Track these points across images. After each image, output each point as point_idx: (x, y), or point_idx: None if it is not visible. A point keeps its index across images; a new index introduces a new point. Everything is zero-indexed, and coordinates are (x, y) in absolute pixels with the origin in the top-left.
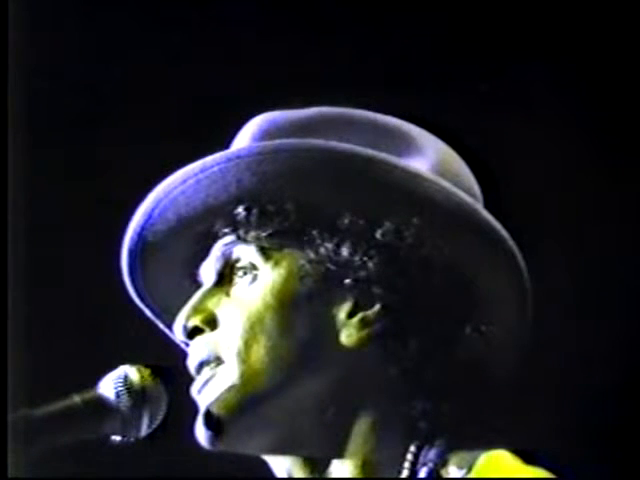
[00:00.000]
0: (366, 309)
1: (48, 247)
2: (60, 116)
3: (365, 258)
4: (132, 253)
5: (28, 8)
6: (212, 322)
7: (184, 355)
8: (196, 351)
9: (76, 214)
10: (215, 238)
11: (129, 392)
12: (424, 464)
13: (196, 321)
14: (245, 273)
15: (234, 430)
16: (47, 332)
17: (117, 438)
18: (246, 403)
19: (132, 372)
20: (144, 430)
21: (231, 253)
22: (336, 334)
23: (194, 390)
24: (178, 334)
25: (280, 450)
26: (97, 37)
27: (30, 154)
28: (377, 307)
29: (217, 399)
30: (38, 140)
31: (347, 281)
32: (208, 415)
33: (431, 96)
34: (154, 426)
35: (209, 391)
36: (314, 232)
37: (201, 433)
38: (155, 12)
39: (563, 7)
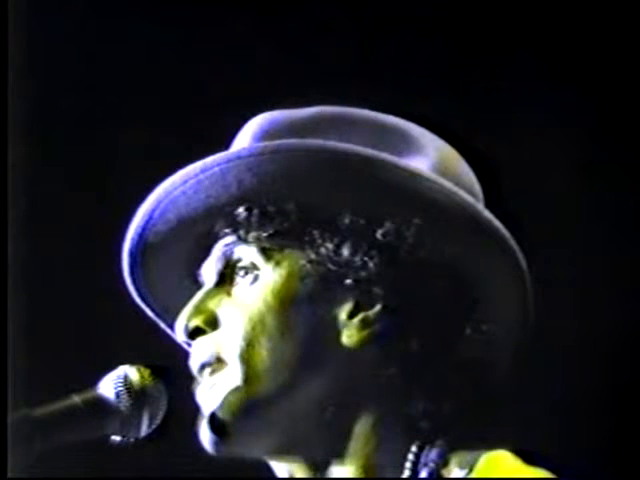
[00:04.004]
0: (367, 309)
1: (48, 247)
2: (60, 117)
3: (366, 258)
4: (133, 253)
5: (28, 8)
6: (213, 322)
7: (185, 355)
8: (198, 352)
9: (77, 214)
10: (216, 238)
11: (129, 392)
12: (425, 464)
13: (197, 321)
14: (246, 273)
15: (238, 433)
16: (47, 332)
17: (117, 438)
18: (249, 406)
19: (132, 372)
20: (144, 430)
21: (232, 253)
22: (337, 334)
23: (198, 395)
24: (179, 334)
25: (283, 453)
26: (97, 37)
27: (30, 154)
28: (378, 307)
29: (221, 402)
30: (38, 140)
31: (348, 281)
32: (213, 419)
33: (432, 95)
34: (154, 426)
35: (214, 395)
36: (315, 232)
37: (205, 437)
38: (155, 12)
39: (565, 7)
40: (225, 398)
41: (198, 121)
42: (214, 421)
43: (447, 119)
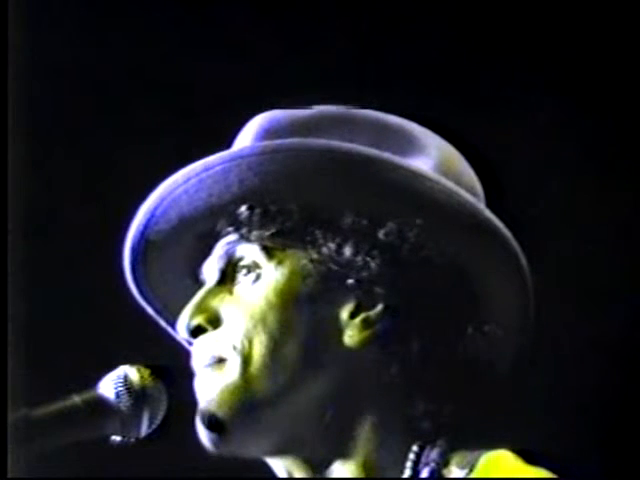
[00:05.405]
0: (368, 309)
1: (48, 246)
2: (60, 116)
3: (367, 258)
4: (134, 252)
5: (28, 8)
6: (215, 321)
7: (185, 354)
8: (200, 351)
9: (77, 213)
10: (217, 237)
11: (129, 392)
12: (426, 464)
13: (199, 320)
14: (248, 272)
15: (237, 432)
16: (47, 332)
17: (117, 438)
18: (249, 406)
19: (132, 372)
20: (144, 430)
21: (234, 252)
22: (338, 334)
23: (198, 392)
24: (181, 332)
25: (282, 452)
26: (97, 37)
27: (30, 153)
28: (379, 307)
29: (220, 400)
30: (38, 140)
31: (349, 281)
32: (210, 416)
33: (434, 95)
34: (154, 426)
35: (212, 392)
36: (317, 232)
37: (203, 435)
38: (155, 12)
39: (566, 13)
40: (224, 396)
41: (198, 121)
42: (212, 419)
43: (449, 119)
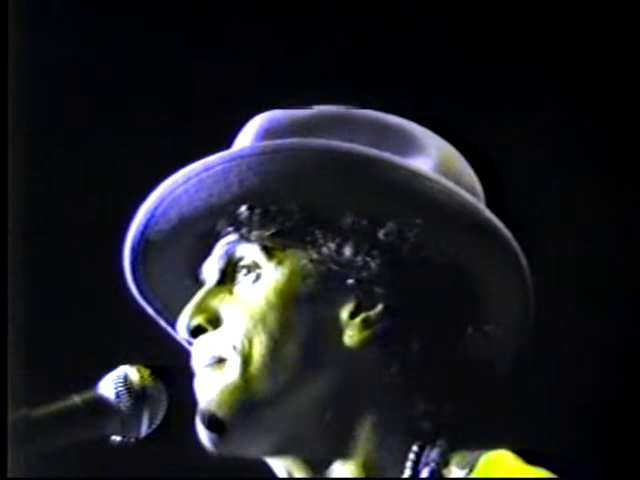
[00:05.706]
0: (368, 309)
1: (48, 246)
2: (60, 116)
3: (367, 258)
4: (134, 252)
5: (28, 8)
6: (215, 321)
7: (185, 354)
8: (200, 351)
9: (77, 213)
10: (217, 237)
11: (129, 392)
12: (426, 464)
13: (199, 320)
14: (248, 272)
15: (236, 432)
16: (47, 332)
17: (117, 438)
18: (248, 405)
19: (132, 372)
20: (144, 430)
21: (234, 252)
22: (338, 334)
23: (197, 391)
24: (181, 332)
25: (282, 452)
26: (97, 37)
27: (30, 153)
28: (379, 307)
29: (220, 400)
30: (38, 140)
31: (349, 281)
32: (210, 416)
33: (434, 95)
34: (154, 426)
35: (212, 392)
36: (317, 232)
37: (203, 435)
38: (155, 12)
39: (566, 13)
40: (224, 396)
41: (198, 121)
42: (212, 419)
43: (449, 119)
